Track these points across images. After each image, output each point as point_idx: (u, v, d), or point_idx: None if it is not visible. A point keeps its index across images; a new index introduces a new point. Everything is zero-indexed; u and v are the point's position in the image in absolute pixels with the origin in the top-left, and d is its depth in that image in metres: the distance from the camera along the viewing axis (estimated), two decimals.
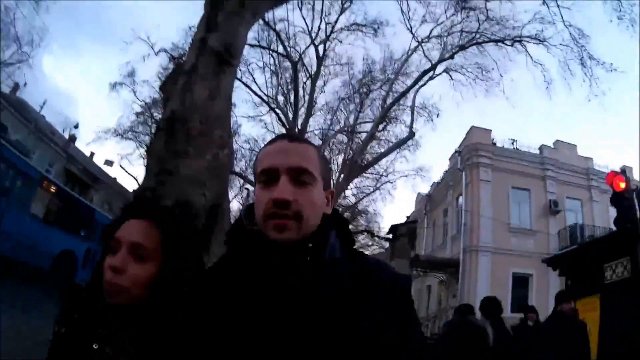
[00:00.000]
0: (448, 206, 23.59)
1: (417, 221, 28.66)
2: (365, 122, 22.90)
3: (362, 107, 22.74)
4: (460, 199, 21.39)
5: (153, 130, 25.67)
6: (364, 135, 21.83)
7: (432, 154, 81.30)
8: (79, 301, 1.27)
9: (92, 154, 37.42)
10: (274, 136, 1.29)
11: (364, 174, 22.93)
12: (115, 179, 38.09)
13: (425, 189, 28.53)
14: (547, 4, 14.58)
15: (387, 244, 31.48)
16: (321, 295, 1.03)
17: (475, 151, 20.82)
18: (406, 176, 24.81)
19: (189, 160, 3.49)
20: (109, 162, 35.00)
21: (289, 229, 1.06)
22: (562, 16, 14.66)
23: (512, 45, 17.22)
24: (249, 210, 1.18)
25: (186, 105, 3.80)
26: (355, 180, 22.91)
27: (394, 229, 29.85)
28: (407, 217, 32.27)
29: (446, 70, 19.28)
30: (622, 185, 7.35)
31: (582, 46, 15.07)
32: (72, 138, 35.99)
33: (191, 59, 4.15)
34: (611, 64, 15.23)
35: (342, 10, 19.52)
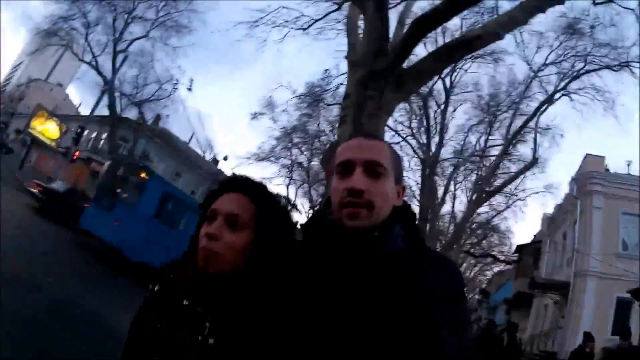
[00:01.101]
0: (567, 229, 24.57)
1: (542, 241, 29.58)
2: (493, 146, 25.40)
3: (491, 129, 24.89)
4: (576, 225, 22.48)
5: (291, 154, 29.85)
6: (492, 159, 24.25)
7: (562, 171, 78.36)
8: (176, 266, 1.36)
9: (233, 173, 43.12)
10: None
11: None
12: None
13: (553, 207, 29.45)
14: None
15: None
16: (375, 283, 1.10)
17: (588, 179, 21.87)
18: (536, 193, 26.60)
19: None
20: None
21: (361, 217, 1.16)
22: None
23: (619, 69, 18.40)
24: (328, 200, 1.29)
25: None
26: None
27: (519, 248, 31.13)
28: (534, 236, 33.07)
29: (565, 93, 21.25)
30: None
31: None
32: (215, 161, 42.08)
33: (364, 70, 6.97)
34: None
35: None
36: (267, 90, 48.32)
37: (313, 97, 22.72)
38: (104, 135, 35.29)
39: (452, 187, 27.25)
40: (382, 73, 7.02)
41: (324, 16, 13.64)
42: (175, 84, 30.55)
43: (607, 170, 22.61)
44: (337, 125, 14.24)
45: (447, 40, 8.58)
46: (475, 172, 26.23)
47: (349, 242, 1.16)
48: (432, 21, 7.67)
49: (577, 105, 21.74)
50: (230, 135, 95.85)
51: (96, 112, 43.79)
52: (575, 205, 22.68)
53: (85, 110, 61.12)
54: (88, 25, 26.35)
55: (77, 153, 29.21)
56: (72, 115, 46.95)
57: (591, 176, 21.81)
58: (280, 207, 1.38)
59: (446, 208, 28.30)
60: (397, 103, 8.56)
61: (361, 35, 10.15)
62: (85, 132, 38.81)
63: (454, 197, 28.58)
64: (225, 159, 41.29)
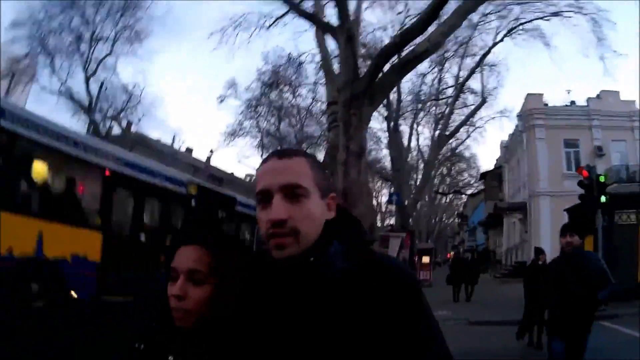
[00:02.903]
0: (519, 157, 29.11)
1: (502, 167, 34.22)
2: (446, 88, 29.17)
3: (442, 72, 28.48)
4: (525, 155, 26.96)
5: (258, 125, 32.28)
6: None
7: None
8: (157, 323, 1.38)
9: (208, 158, 45.25)
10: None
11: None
12: (232, 173, 44.93)
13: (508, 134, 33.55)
14: None
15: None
16: (320, 311, 1.06)
17: (530, 116, 26.25)
18: (492, 119, 29.77)
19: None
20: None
21: (288, 246, 1.09)
22: None
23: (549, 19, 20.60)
24: None
25: (348, 181, 10.02)
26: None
27: (483, 175, 35.94)
28: (496, 161, 37.79)
29: (507, 34, 23.20)
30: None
31: None
32: (190, 150, 43.93)
33: (342, 156, 10.02)
34: None
35: None
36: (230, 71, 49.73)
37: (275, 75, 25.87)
38: None
39: (415, 130, 31.25)
40: (359, 95, 10.49)
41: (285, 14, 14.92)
42: (143, 88, 31.80)
43: (546, 105, 26.93)
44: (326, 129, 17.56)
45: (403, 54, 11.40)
46: (434, 113, 30.21)
47: (283, 275, 1.12)
48: (391, 52, 11.47)
49: (519, 43, 23.70)
50: (200, 119, 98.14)
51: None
52: (522, 138, 27.18)
53: None
54: (52, 56, 26.72)
55: None
56: None
57: (532, 113, 26.23)
58: (236, 248, 1.40)
59: (414, 143, 32.64)
60: (372, 113, 12.42)
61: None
62: None
63: (418, 136, 32.71)
64: (190, 151, 44.19)
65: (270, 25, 16.39)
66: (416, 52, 11.10)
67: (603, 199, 13.45)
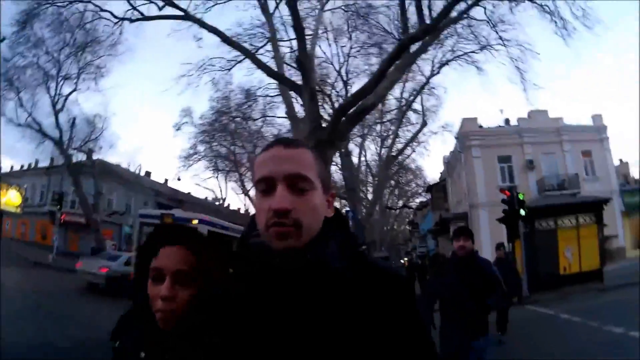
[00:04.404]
0: (460, 171, 32.49)
1: (446, 179, 37.75)
2: (389, 112, 31.36)
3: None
4: (463, 171, 30.51)
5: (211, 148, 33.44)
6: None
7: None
8: (131, 320, 1.41)
9: (166, 180, 48.33)
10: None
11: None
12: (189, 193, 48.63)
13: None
14: None
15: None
16: (317, 307, 1.05)
17: (466, 138, 29.82)
18: (435, 134, 33.20)
19: None
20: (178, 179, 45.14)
21: (290, 237, 1.07)
22: None
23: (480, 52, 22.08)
24: (252, 220, 1.19)
25: None
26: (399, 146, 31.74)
27: (430, 188, 39.50)
28: (440, 174, 41.39)
29: (443, 66, 24.39)
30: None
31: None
32: (148, 174, 46.52)
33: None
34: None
35: None
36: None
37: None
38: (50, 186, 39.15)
39: (362, 150, 33.98)
40: (323, 141, 12.63)
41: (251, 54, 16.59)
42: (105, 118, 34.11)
43: (481, 127, 30.62)
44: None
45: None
46: (379, 131, 32.69)
47: (281, 269, 1.09)
48: (346, 109, 13.63)
49: (454, 67, 24.10)
50: (157, 145, 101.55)
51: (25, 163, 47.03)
52: (460, 157, 30.83)
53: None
54: (18, 91, 28.24)
55: (63, 216, 30.41)
56: (17, 173, 48.18)
57: (467, 135, 29.79)
58: (217, 247, 1.41)
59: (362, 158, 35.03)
60: (333, 154, 15.01)
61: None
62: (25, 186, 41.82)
63: (365, 152, 35.21)
64: (148, 175, 46.85)
65: (231, 68, 18.94)
66: (365, 105, 13.44)
67: (522, 212, 16.62)
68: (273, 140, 1.22)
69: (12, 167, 52.73)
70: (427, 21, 13.10)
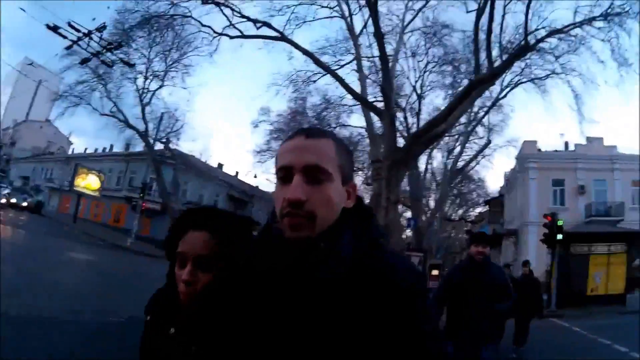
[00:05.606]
0: (517, 189, 34.76)
1: (504, 195, 39.92)
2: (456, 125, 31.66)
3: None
4: (520, 190, 32.85)
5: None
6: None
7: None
8: (162, 297, 1.47)
9: (237, 173, 50.90)
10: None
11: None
12: (257, 187, 50.01)
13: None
14: None
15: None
16: (323, 299, 1.04)
17: (524, 160, 32.19)
18: (500, 147, 33.26)
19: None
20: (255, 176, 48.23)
21: (303, 228, 1.07)
22: None
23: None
24: (274, 211, 1.18)
25: (387, 219, 14.57)
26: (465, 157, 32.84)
27: (488, 202, 41.85)
28: (500, 188, 43.47)
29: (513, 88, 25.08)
30: None
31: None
32: (220, 166, 49.26)
33: (384, 203, 13.98)
34: None
35: None
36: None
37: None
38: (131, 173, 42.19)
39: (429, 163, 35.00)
40: (398, 162, 14.87)
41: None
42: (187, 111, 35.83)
43: (539, 150, 32.90)
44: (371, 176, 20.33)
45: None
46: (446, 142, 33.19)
47: (292, 258, 1.09)
48: (421, 134, 15.82)
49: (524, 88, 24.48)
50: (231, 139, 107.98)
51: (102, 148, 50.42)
52: (518, 176, 33.18)
53: (75, 140, 63.71)
54: (105, 83, 30.34)
55: (144, 204, 31.82)
56: (97, 156, 51.30)
57: (526, 157, 32.10)
58: (240, 233, 1.43)
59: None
60: (405, 173, 17.34)
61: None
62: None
63: (432, 160, 35.83)
64: (220, 167, 49.51)
65: (316, 80, 21.16)
66: (437, 132, 15.56)
67: (559, 237, 18.98)
68: (297, 130, 1.21)
69: (85, 149, 57.77)
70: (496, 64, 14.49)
